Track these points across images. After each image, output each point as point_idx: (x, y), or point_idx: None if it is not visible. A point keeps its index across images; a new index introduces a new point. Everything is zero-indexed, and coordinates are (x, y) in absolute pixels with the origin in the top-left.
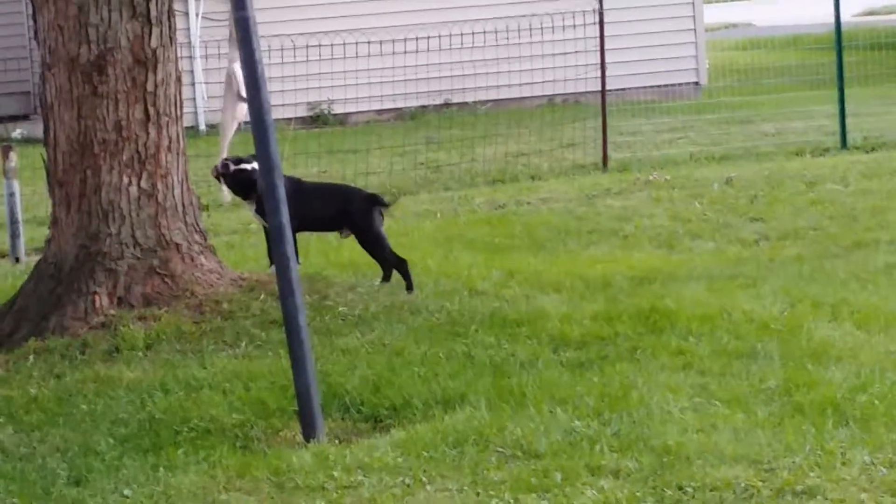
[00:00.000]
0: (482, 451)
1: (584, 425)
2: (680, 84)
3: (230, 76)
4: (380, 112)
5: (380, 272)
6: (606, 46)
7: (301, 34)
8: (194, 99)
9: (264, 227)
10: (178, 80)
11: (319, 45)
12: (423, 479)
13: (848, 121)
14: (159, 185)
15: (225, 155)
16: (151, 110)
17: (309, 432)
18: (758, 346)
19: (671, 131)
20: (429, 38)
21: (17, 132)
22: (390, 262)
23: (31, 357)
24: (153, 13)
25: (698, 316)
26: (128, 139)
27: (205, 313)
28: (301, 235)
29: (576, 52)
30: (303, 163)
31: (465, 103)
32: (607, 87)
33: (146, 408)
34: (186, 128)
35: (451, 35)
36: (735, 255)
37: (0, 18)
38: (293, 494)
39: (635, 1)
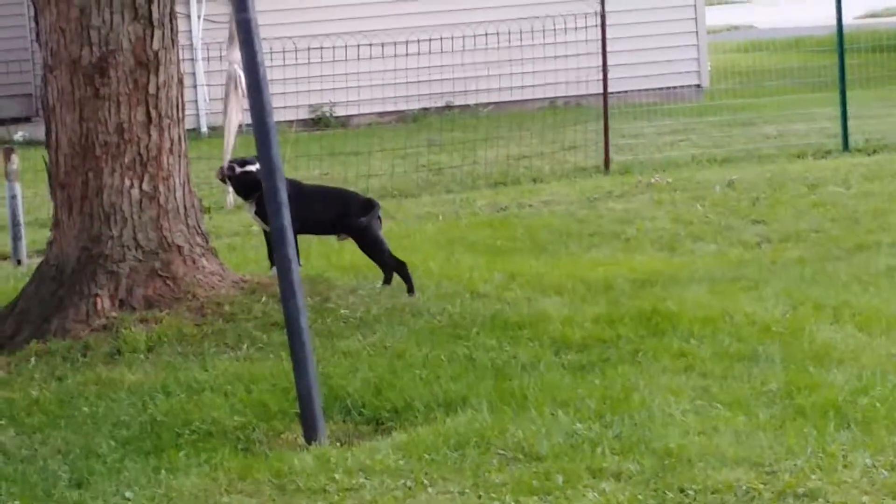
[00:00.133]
0: (483, 453)
1: (585, 428)
2: (682, 86)
3: (233, 78)
4: (381, 114)
5: (381, 275)
6: (608, 49)
7: (303, 36)
8: (196, 101)
9: (263, 230)
10: (180, 82)
11: (321, 48)
12: (425, 481)
13: (850, 123)
14: (161, 188)
15: (229, 157)
16: (153, 112)
17: (310, 434)
18: (759, 348)
19: (673, 133)
20: (430, 40)
21: (19, 134)
22: (390, 266)
23: (33, 359)
24: (155, 15)
25: (700, 318)
26: (129, 141)
27: (206, 315)
28: (302, 238)
29: (577, 54)
30: (304, 165)
31: (467, 106)
32: (609, 90)
33: (148, 410)
34: (188, 130)
35: (452, 37)
36: (737, 258)
37: (1, 20)
38: (294, 497)
39: (637, 3)
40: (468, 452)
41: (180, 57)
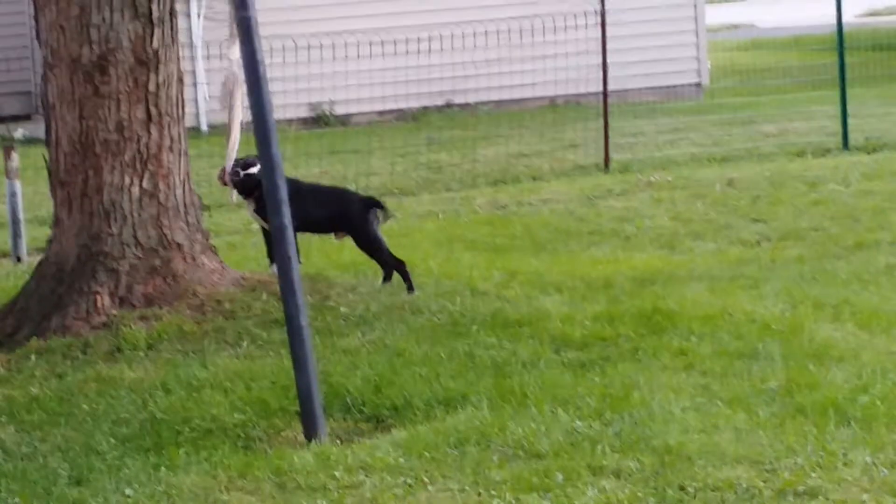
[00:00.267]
0: (484, 451)
1: (585, 425)
2: (682, 85)
3: (234, 76)
4: (381, 113)
5: (381, 273)
6: (608, 47)
7: (303, 34)
8: (196, 99)
9: (262, 228)
10: (180, 80)
11: (321, 46)
12: (425, 478)
13: (850, 122)
14: (161, 186)
15: (233, 157)
16: (153, 110)
17: (310, 432)
18: (759, 346)
19: (673, 132)
20: (430, 38)
21: (19, 132)
22: (389, 264)
23: (33, 357)
24: (155, 13)
25: (700, 316)
26: (129, 139)
27: (206, 313)
28: (302, 236)
29: (577, 52)
30: (304, 163)
31: (467, 104)
32: (609, 88)
33: (148, 407)
34: (188, 128)
35: (452, 36)
36: (737, 256)
37: (2, 18)
38: (295, 494)
39: (637, 2)
40: (468, 450)
41: (180, 55)
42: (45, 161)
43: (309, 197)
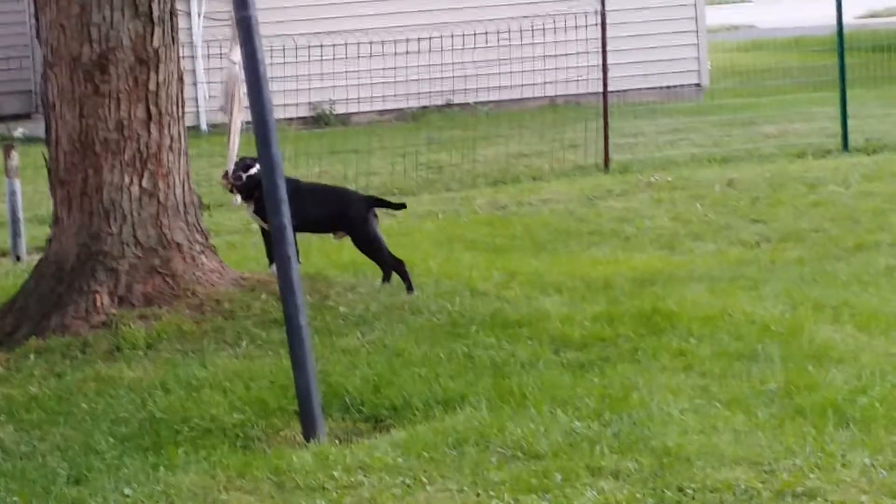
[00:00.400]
0: (482, 451)
1: (584, 426)
2: (682, 85)
3: (235, 78)
4: (381, 112)
5: (380, 272)
6: (608, 48)
7: (303, 34)
8: (196, 98)
9: (261, 228)
10: (180, 79)
11: (321, 46)
12: (424, 479)
13: (850, 123)
14: (161, 185)
15: (234, 158)
16: (153, 109)
17: (309, 432)
18: (759, 347)
19: (673, 133)
20: (430, 38)
21: (19, 131)
22: (388, 264)
23: (32, 356)
24: (155, 12)
25: (699, 317)
26: (129, 138)
27: (206, 313)
28: (302, 235)
29: (577, 53)
30: (304, 163)
31: (467, 104)
32: (609, 89)
33: (147, 407)
34: (188, 127)
35: (452, 36)
36: (736, 257)
37: (2, 17)
38: (293, 494)
39: (637, 2)
40: (467, 450)
41: (180, 54)
42: (45, 160)
43: (308, 197)
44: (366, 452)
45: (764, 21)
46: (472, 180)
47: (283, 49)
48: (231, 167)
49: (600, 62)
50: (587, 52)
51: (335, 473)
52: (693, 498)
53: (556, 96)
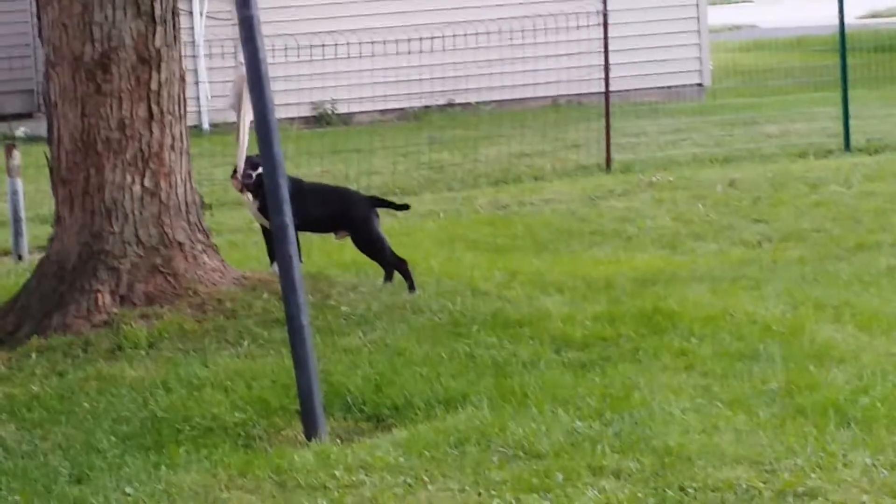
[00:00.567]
0: (484, 450)
1: (585, 426)
2: (684, 85)
3: (243, 79)
4: (383, 112)
5: (382, 272)
6: (610, 48)
7: (305, 34)
8: (198, 98)
9: (262, 227)
10: (182, 78)
11: (323, 45)
12: (425, 478)
13: (851, 123)
14: (162, 184)
15: (244, 158)
16: (155, 109)
17: (311, 431)
18: (760, 347)
19: (675, 133)
20: (432, 38)
21: (21, 130)
22: (391, 264)
23: (34, 355)
24: (157, 12)
25: (701, 317)
26: (131, 138)
27: (207, 312)
28: (303, 235)
29: (580, 53)
30: (306, 162)
31: (469, 104)
32: (611, 88)
33: (148, 406)
34: (190, 127)
35: (454, 35)
36: (738, 257)
37: (4, 16)
38: (295, 493)
39: (639, 2)
40: (468, 450)
41: (182, 53)
42: (47, 159)
43: (311, 196)
44: (367, 452)
45: (766, 21)
46: (474, 180)
47: (286, 48)
48: (241, 166)
49: (602, 62)
50: (589, 52)
51: (336, 473)
52: (694, 497)
53: (558, 96)
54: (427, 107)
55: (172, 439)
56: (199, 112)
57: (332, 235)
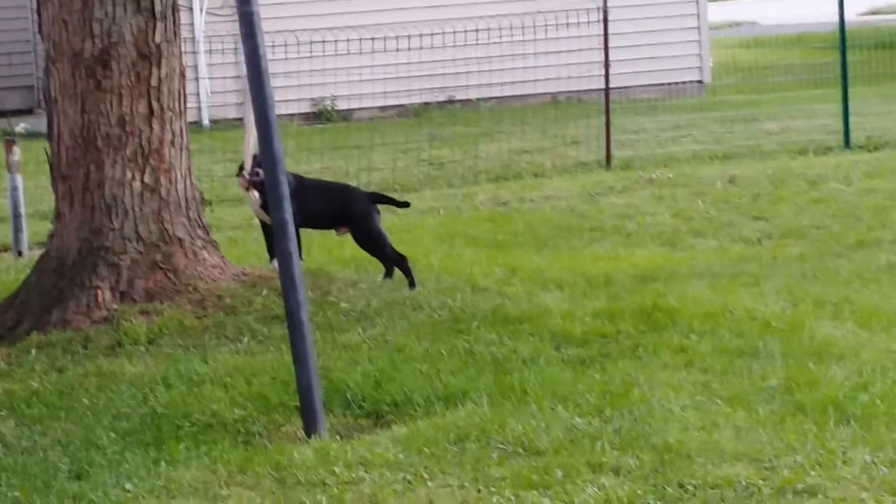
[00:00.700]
0: (483, 447)
1: (585, 422)
2: (684, 82)
3: None
4: (383, 108)
5: (382, 268)
6: (610, 44)
7: (305, 30)
8: (198, 94)
9: (262, 223)
10: (182, 74)
11: (323, 41)
12: (425, 475)
13: (851, 120)
14: (162, 180)
15: (251, 157)
16: (155, 105)
17: (310, 428)
18: (760, 344)
19: (674, 129)
20: (432, 34)
21: (21, 126)
22: (391, 260)
23: (33, 351)
24: (157, 8)
25: (700, 314)
26: (131, 134)
27: (207, 308)
28: (304, 231)
29: (580, 49)
30: (306, 159)
31: (469, 100)
32: (611, 85)
33: (148, 402)
34: (190, 123)
35: (454, 32)
36: (738, 254)
37: (4, 12)
38: (294, 489)
39: None
40: (468, 446)
41: (182, 49)
42: (47, 155)
43: (312, 193)
44: (367, 448)
45: (766, 18)
46: (474, 177)
47: (285, 45)
48: (248, 164)
49: (602, 58)
50: (589, 49)
51: (336, 469)
52: (694, 494)
53: (558, 93)
54: (427, 103)
55: (172, 435)
56: (199, 108)
57: (332, 232)
